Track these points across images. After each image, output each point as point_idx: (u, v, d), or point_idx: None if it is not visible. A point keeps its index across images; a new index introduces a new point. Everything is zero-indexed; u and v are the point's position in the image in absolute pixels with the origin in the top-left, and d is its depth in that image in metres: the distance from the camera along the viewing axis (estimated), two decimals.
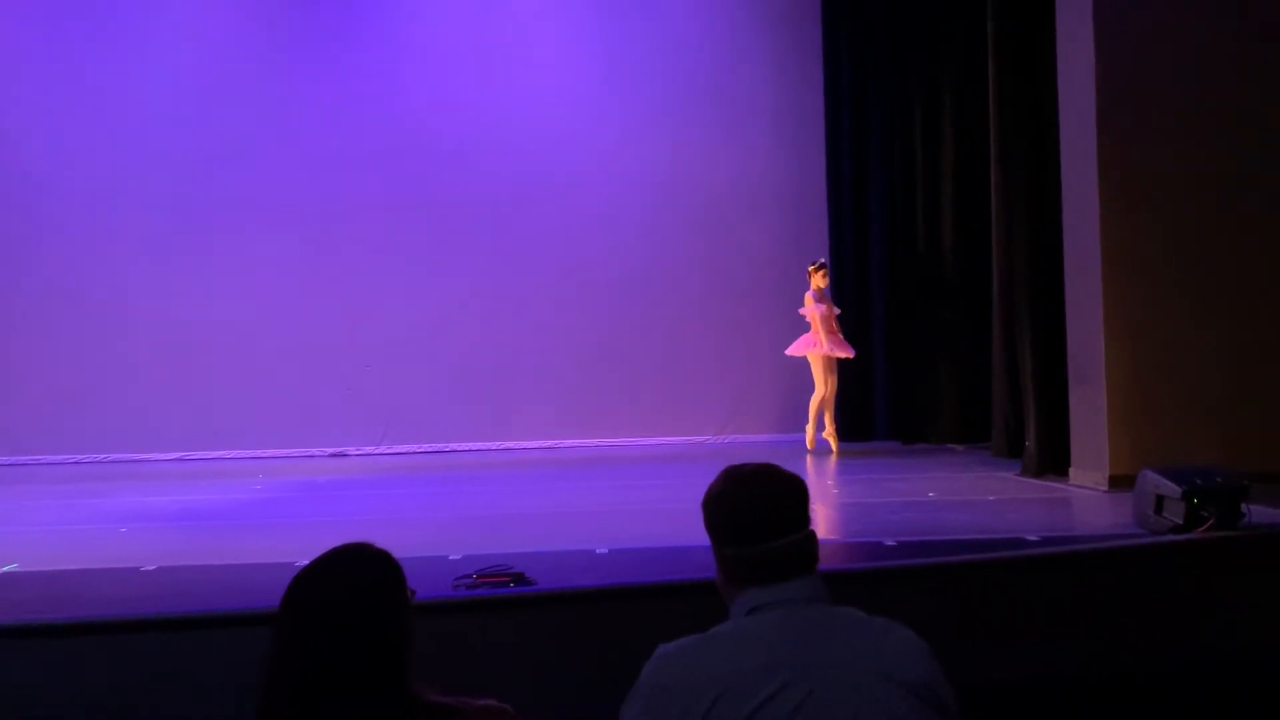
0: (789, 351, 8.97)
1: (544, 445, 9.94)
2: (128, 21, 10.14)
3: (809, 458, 8.69)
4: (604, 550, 4.75)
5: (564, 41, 10.37)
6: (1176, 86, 6.24)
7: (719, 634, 1.76)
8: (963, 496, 6.40)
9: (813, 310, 8.80)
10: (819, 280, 8.89)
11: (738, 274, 10.08)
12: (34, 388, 9.81)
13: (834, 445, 8.90)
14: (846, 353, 8.92)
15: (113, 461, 9.66)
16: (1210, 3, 6.30)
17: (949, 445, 9.23)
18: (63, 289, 9.92)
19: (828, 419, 8.94)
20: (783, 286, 9.64)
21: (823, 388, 8.85)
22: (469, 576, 3.87)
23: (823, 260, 9.05)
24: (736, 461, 1.95)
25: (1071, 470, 6.59)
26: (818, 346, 8.79)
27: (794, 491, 1.86)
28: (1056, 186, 6.82)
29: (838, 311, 9.05)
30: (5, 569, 4.72)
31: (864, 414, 9.82)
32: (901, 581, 3.87)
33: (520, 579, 3.85)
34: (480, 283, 10.07)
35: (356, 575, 1.67)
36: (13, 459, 9.59)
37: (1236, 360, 6.19)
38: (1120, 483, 5.83)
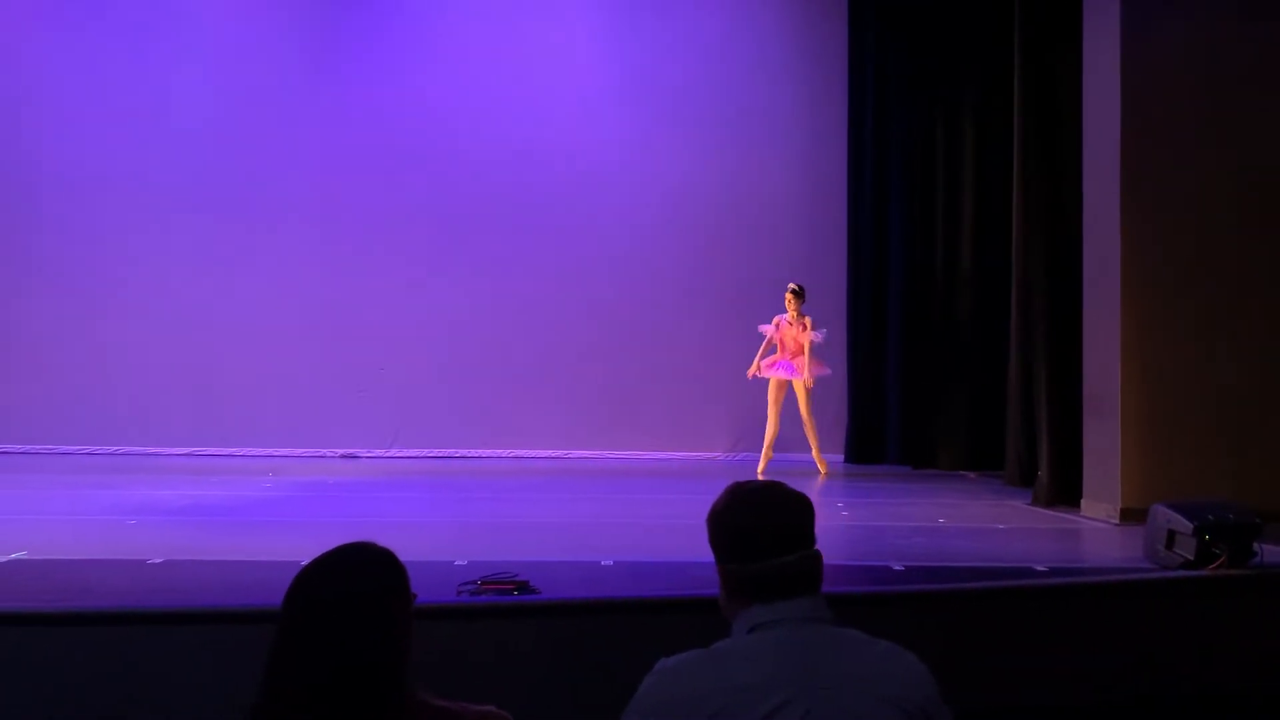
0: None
1: (553, 455, 9.94)
2: (155, 21, 10.23)
3: (818, 479, 8.64)
4: (609, 562, 4.74)
5: (585, 54, 10.40)
6: (1203, 117, 6.22)
7: (720, 650, 1.75)
8: (973, 524, 6.37)
9: (770, 332, 8.70)
10: (787, 304, 8.71)
11: (755, 291, 10.04)
12: (49, 378, 9.88)
13: (761, 464, 8.71)
14: (794, 375, 8.57)
15: (124, 454, 9.71)
16: (1238, 26, 6.26)
17: (961, 472, 9.18)
18: (79, 283, 10.00)
19: (766, 436, 8.73)
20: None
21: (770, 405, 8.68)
22: (473, 583, 3.87)
23: (791, 285, 8.80)
24: (746, 479, 1.94)
25: (1083, 501, 6.55)
26: (762, 368, 8.67)
27: (799, 509, 1.85)
28: (1079, 215, 6.80)
29: (815, 337, 8.66)
30: (14, 556, 4.74)
31: (875, 437, 9.78)
32: (908, 606, 3.85)
33: (525, 587, 3.84)
34: (495, 291, 10.10)
35: (359, 574, 1.67)
36: (26, 448, 9.67)
37: (1253, 397, 6.14)
38: (1132, 516, 5.79)
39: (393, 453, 9.98)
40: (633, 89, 10.29)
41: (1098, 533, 6.01)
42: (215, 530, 5.91)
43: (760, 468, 8.69)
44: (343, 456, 9.89)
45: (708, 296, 10.16)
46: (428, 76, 10.25)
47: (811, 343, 8.63)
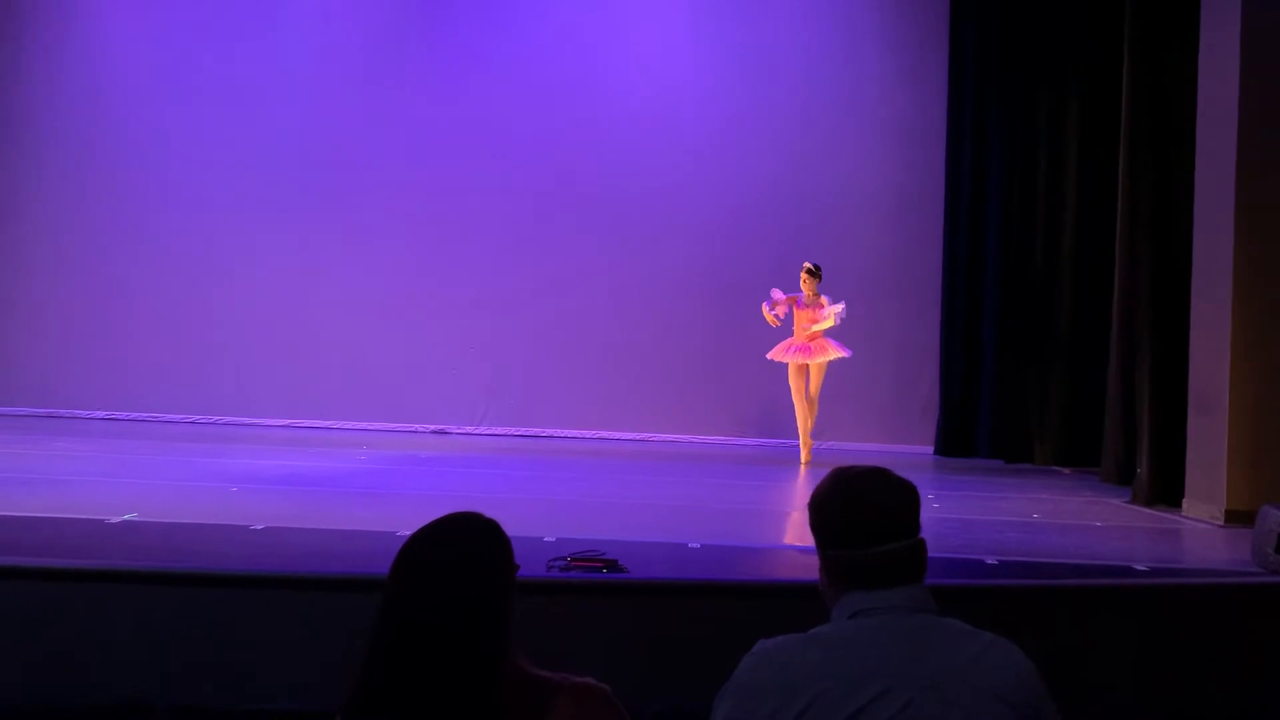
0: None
1: (639, 437, 9.98)
2: (265, 9, 10.50)
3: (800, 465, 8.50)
4: (696, 545, 4.75)
5: (681, 40, 10.32)
6: None
7: (820, 635, 1.74)
8: (1068, 520, 6.22)
9: (778, 295, 8.48)
10: (802, 284, 8.50)
11: (847, 281, 9.92)
12: (158, 350, 10.25)
13: (803, 454, 8.57)
14: (809, 357, 8.40)
15: (226, 423, 10.04)
16: None
17: (1054, 467, 8.96)
18: (188, 263, 10.31)
19: (798, 424, 8.58)
20: (894, 295, 9.52)
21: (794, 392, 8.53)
22: (563, 559, 3.92)
23: (806, 264, 8.58)
24: (835, 466, 1.92)
25: (1185, 501, 6.35)
26: (778, 351, 8.51)
27: (904, 497, 1.82)
28: (1187, 209, 6.57)
29: (838, 308, 8.39)
30: (125, 517, 4.95)
31: (967, 430, 9.60)
32: (1002, 601, 3.77)
33: (613, 566, 3.88)
34: (585, 274, 10.14)
35: (468, 542, 1.71)
36: (137, 415, 10.08)
37: None
38: (1237, 518, 5.61)
39: (482, 429, 10.12)
40: (727, 82, 10.18)
41: (1201, 534, 5.83)
42: (313, 499, 6.08)
43: (804, 458, 8.58)
44: (434, 432, 10.07)
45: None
46: (521, 60, 10.28)
47: (836, 314, 8.36)
